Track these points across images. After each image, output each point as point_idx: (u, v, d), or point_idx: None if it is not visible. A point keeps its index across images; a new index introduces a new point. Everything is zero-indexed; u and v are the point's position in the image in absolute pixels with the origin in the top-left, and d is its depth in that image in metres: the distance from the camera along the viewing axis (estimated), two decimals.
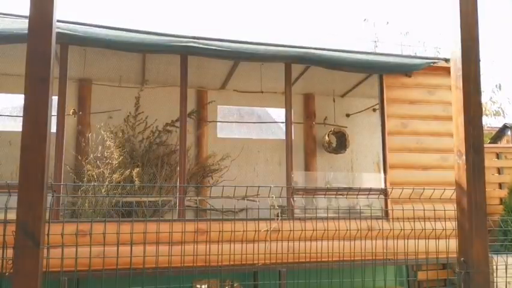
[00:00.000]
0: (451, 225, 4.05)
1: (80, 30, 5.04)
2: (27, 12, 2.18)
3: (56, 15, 2.22)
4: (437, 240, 4.50)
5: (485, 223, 2.50)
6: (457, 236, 2.59)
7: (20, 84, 2.49)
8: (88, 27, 5.36)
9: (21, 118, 2.15)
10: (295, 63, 5.83)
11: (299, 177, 7.20)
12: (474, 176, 2.50)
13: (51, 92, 2.19)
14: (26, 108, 2.13)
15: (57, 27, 2.28)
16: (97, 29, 5.31)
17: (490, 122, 15.79)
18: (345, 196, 5.34)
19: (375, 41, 16.89)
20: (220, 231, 4.24)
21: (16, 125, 6.45)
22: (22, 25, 4.60)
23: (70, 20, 5.21)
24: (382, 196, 5.62)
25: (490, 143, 9.29)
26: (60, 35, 4.59)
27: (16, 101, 6.79)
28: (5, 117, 6.75)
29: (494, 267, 4.33)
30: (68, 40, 4.90)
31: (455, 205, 2.64)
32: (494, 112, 17.15)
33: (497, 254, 4.83)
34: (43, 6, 2.19)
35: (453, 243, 2.98)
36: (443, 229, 4.38)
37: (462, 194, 2.53)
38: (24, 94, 2.14)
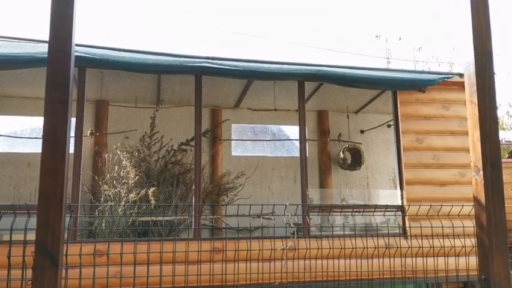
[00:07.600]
0: (471, 242, 3.97)
1: (97, 54, 5.16)
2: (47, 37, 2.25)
3: (74, 40, 2.28)
4: (456, 257, 4.40)
5: (506, 240, 2.44)
6: (477, 253, 2.54)
7: (39, 107, 2.55)
8: (104, 50, 5.50)
9: (40, 140, 2.18)
10: (308, 81, 5.85)
11: (314, 195, 7.16)
12: (492, 191, 2.46)
13: (70, 114, 2.23)
14: (45, 130, 2.17)
15: (75, 51, 2.34)
16: (114, 51, 5.44)
17: (508, 136, 15.51)
18: (361, 213, 5.29)
19: (387, 58, 16.88)
20: (236, 250, 4.22)
21: (35, 147, 6.58)
22: (43, 49, 4.74)
23: (88, 43, 5.35)
24: (399, 213, 5.55)
25: (508, 157, 9.12)
26: (78, 59, 4.72)
27: (35, 123, 6.95)
28: (24, 139, 6.89)
29: None
30: (86, 63, 5.03)
31: (474, 221, 2.59)
32: None
33: None
34: (62, 31, 2.26)
35: (473, 261, 2.92)
36: (463, 246, 4.30)
37: (481, 210, 2.49)
38: (44, 116, 2.18)
